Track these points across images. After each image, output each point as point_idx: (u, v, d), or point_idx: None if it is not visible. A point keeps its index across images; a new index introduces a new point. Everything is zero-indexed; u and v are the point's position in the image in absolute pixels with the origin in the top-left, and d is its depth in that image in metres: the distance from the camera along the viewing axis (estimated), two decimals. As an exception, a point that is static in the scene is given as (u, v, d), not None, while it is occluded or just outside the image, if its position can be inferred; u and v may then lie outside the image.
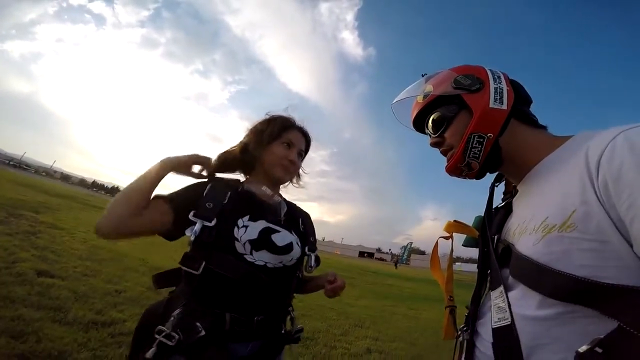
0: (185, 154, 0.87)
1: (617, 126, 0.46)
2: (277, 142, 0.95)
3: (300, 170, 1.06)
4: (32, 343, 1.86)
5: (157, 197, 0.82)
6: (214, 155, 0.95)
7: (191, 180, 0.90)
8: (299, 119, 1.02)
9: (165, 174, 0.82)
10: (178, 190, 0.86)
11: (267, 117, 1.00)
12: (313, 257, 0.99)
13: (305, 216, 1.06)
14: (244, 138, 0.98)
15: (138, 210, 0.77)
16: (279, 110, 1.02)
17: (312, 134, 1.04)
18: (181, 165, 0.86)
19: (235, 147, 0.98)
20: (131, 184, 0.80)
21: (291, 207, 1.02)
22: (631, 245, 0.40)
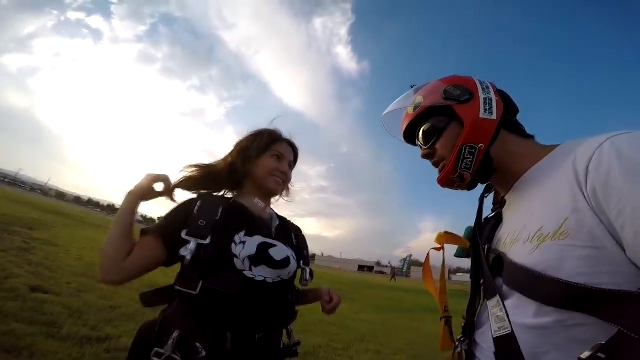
0: (142, 178, 0.83)
1: (604, 133, 0.47)
2: (267, 155, 0.94)
3: (289, 185, 1.05)
4: (25, 357, 1.83)
5: (144, 232, 0.80)
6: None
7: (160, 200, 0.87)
8: (286, 131, 1.02)
9: (136, 206, 0.80)
10: (166, 215, 0.84)
11: (253, 132, 0.99)
12: (308, 271, 0.98)
13: (298, 230, 1.05)
14: (230, 156, 0.96)
15: (127, 253, 0.75)
16: (265, 124, 1.01)
17: (305, 148, 1.04)
18: (144, 190, 0.82)
19: (219, 162, 0.96)
20: (110, 231, 0.77)
21: (283, 220, 1.02)
22: (624, 250, 0.40)
